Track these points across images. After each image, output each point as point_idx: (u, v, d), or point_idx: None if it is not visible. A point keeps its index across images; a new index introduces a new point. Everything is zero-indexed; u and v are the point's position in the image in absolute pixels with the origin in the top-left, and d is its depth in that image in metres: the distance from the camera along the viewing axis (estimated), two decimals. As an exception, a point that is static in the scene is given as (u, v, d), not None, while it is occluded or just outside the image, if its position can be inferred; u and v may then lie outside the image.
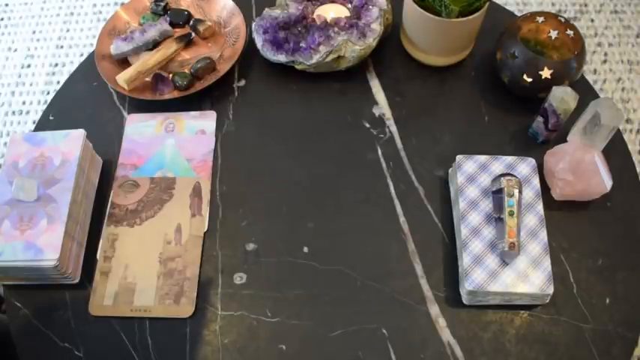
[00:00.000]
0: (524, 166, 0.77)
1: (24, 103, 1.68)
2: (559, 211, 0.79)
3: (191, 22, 0.95)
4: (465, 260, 0.71)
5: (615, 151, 0.83)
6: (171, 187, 0.83)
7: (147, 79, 0.91)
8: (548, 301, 0.72)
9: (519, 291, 0.69)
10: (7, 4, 1.88)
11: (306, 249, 0.78)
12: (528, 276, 0.70)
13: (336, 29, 0.89)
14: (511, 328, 0.72)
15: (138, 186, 0.83)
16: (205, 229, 0.80)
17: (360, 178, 0.83)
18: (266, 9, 0.92)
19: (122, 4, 1.85)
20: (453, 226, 0.78)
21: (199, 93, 0.89)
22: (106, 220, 0.81)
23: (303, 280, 0.76)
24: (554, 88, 0.77)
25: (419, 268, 0.76)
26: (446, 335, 0.72)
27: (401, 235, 0.78)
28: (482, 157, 0.78)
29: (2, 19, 1.85)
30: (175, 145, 0.87)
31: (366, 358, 0.71)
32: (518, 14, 1.02)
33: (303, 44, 0.88)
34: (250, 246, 0.79)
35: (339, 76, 0.92)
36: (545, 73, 0.79)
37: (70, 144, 0.80)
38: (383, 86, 0.91)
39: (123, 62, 0.93)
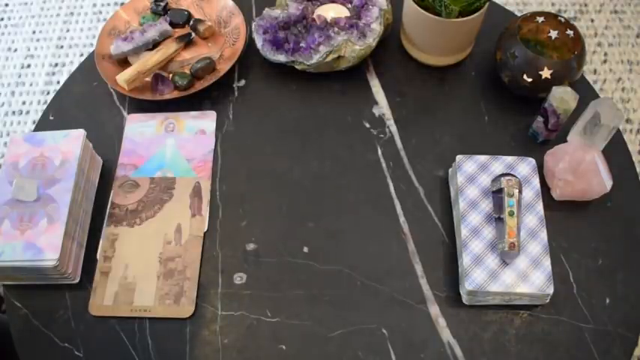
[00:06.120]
0: (524, 166, 0.77)
1: (24, 103, 1.68)
2: (559, 211, 0.79)
3: (191, 22, 0.95)
4: (465, 260, 0.71)
5: (615, 151, 0.83)
6: (171, 187, 0.83)
7: (147, 79, 0.91)
8: (548, 301, 0.72)
9: (519, 291, 0.69)
10: (7, 4, 1.88)
11: (306, 249, 0.78)
12: (528, 276, 0.70)
13: (336, 29, 0.89)
14: (511, 328, 0.72)
15: (138, 186, 0.83)
16: (205, 229, 0.80)
17: (360, 178, 0.83)
18: (266, 9, 0.92)
19: (122, 4, 1.86)
20: (453, 226, 0.78)
21: (199, 93, 0.89)
22: (106, 220, 0.81)
23: (303, 280, 0.76)
24: (554, 88, 0.77)
25: (419, 268, 0.76)
26: (446, 335, 0.72)
27: (401, 235, 0.78)
28: (482, 157, 0.78)
29: (2, 19, 1.85)
30: (175, 145, 0.87)
31: (366, 358, 0.71)
32: (518, 14, 1.02)
33: (303, 44, 0.88)
34: (250, 246, 0.79)
35: (339, 76, 0.92)
36: (545, 73, 0.79)
37: (70, 144, 0.80)
38: (383, 86, 0.91)
39: (123, 62, 0.93)
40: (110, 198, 0.83)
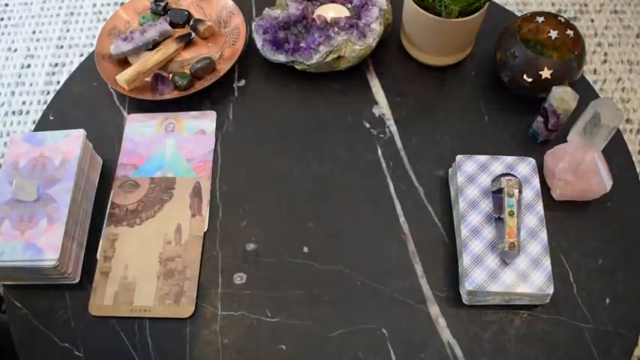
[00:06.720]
0: (524, 166, 0.77)
1: (24, 103, 1.68)
2: (559, 211, 0.79)
3: (191, 22, 0.95)
4: (465, 260, 0.71)
5: (615, 151, 0.83)
6: (171, 187, 0.83)
7: (147, 79, 0.91)
8: (548, 301, 0.72)
9: (519, 291, 0.69)
10: (7, 4, 1.88)
11: (306, 249, 0.78)
12: (528, 276, 0.70)
13: (336, 29, 0.89)
14: (511, 328, 0.72)
15: (138, 186, 0.83)
16: (205, 229, 0.80)
17: (360, 178, 0.83)
18: (266, 9, 0.92)
19: (122, 4, 1.86)
20: (453, 226, 0.78)
21: (199, 93, 0.89)
22: (106, 220, 0.81)
23: (303, 280, 0.76)
24: (554, 88, 0.77)
25: (419, 268, 0.76)
26: (446, 335, 0.72)
27: (401, 235, 0.78)
28: (482, 157, 0.78)
29: (2, 19, 1.85)
30: (175, 145, 0.87)
31: (366, 358, 0.71)
32: (518, 14, 1.02)
33: (303, 44, 0.88)
34: (250, 246, 0.79)
35: (339, 76, 0.92)
36: (545, 73, 0.79)
37: (70, 144, 0.80)
38: (383, 86, 0.91)
39: (123, 62, 0.93)
40: (110, 198, 0.83)
